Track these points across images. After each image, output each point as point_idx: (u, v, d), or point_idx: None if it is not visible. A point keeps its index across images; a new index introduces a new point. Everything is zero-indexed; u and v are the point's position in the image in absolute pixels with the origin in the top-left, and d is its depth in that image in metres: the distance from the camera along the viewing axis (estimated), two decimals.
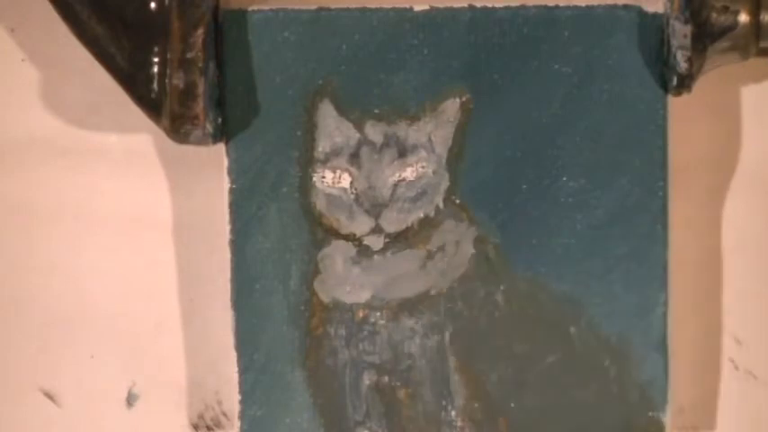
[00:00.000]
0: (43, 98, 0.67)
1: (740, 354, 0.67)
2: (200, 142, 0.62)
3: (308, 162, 0.63)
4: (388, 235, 0.63)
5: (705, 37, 0.61)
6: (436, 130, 0.63)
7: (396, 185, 0.63)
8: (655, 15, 0.62)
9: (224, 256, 0.64)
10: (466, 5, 0.63)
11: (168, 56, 0.61)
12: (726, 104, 0.66)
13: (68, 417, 0.68)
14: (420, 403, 0.64)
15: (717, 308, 0.67)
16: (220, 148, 0.63)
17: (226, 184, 0.63)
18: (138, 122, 0.63)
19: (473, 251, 0.63)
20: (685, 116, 0.65)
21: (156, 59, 0.62)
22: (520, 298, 0.63)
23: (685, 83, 0.61)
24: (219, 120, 0.63)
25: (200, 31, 0.61)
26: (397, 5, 0.63)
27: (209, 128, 0.62)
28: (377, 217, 0.63)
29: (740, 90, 0.66)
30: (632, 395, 0.63)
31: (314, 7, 0.63)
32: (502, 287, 0.63)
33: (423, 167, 0.63)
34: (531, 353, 0.63)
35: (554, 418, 0.64)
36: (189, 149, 0.64)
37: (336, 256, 0.64)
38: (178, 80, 0.61)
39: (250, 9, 0.63)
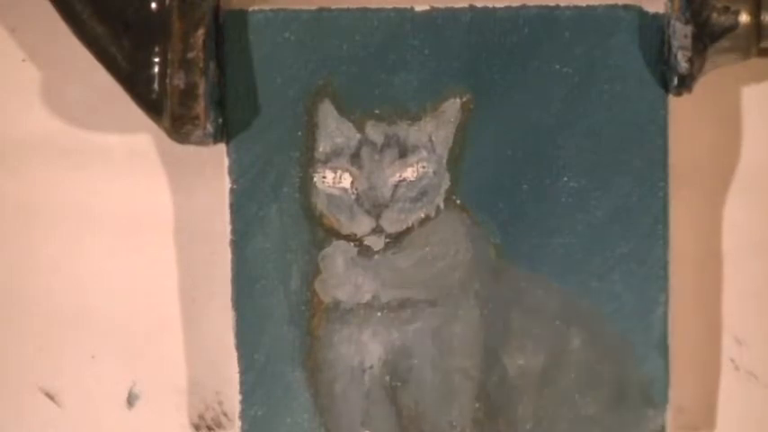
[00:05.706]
0: (43, 98, 0.67)
1: (741, 354, 0.67)
2: (200, 142, 0.62)
3: (308, 162, 0.63)
4: (388, 235, 0.63)
5: (706, 37, 0.61)
6: (437, 131, 0.63)
7: (396, 185, 0.63)
8: (655, 16, 0.62)
9: (225, 257, 0.64)
10: (466, 6, 0.63)
11: (169, 56, 0.61)
12: (726, 105, 0.66)
13: (69, 417, 0.68)
14: (421, 403, 0.64)
15: (717, 308, 0.67)
16: (221, 148, 0.63)
17: (226, 184, 0.63)
18: (139, 122, 0.63)
19: (473, 251, 0.63)
20: (686, 116, 0.65)
21: (156, 60, 0.62)
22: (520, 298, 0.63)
23: (686, 83, 0.61)
24: (220, 120, 0.63)
25: (201, 32, 0.61)
26: (397, 6, 0.63)
27: (210, 128, 0.62)
28: (377, 217, 0.63)
29: (741, 90, 0.66)
30: (632, 395, 0.63)
31: (314, 7, 0.63)
32: (502, 287, 0.63)
33: (423, 167, 0.63)
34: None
35: (554, 417, 0.64)
36: (190, 150, 0.64)
37: (337, 256, 0.64)
38: (179, 80, 0.61)
39: (250, 9, 0.63)
